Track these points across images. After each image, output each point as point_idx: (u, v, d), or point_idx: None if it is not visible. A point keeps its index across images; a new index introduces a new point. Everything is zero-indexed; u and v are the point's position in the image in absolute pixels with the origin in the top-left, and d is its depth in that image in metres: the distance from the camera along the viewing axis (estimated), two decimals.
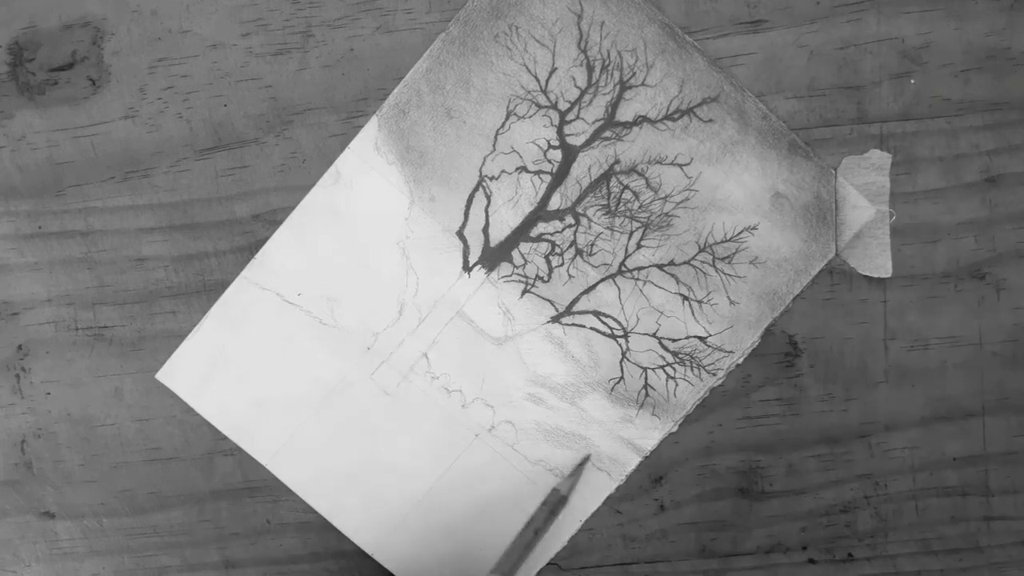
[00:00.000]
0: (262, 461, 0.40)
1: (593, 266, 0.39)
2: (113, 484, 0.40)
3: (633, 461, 0.39)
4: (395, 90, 0.39)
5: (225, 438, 0.40)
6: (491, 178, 0.39)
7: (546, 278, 0.39)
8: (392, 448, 0.39)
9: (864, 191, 0.38)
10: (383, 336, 0.39)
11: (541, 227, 0.39)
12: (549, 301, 0.39)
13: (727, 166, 0.38)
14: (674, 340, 0.39)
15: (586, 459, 0.39)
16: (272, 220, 0.39)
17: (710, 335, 0.39)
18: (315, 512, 0.40)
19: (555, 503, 0.39)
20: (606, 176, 0.39)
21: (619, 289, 0.39)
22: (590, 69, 0.38)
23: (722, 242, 0.39)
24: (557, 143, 0.39)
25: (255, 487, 0.40)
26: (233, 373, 0.39)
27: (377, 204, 0.39)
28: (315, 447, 0.39)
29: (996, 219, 0.39)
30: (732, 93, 0.38)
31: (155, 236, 0.39)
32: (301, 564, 0.40)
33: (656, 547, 0.40)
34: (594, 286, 0.39)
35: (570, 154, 0.39)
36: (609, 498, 0.39)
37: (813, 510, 0.40)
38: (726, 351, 0.39)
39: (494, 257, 0.39)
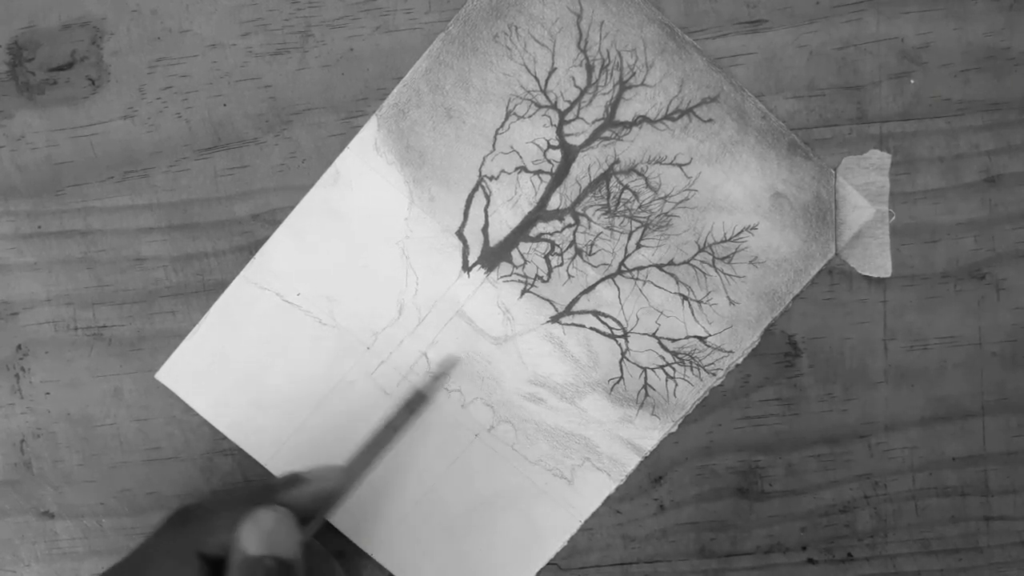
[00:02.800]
0: (262, 461, 0.40)
1: (593, 266, 0.39)
2: (113, 484, 0.40)
3: (633, 461, 0.39)
4: (395, 90, 0.39)
5: (225, 438, 0.40)
6: (491, 178, 0.39)
7: (546, 278, 0.39)
8: (391, 448, 0.39)
9: (864, 191, 0.38)
10: (383, 336, 0.39)
11: (541, 227, 0.39)
12: (549, 301, 0.39)
13: (727, 166, 0.38)
14: (674, 340, 0.39)
15: (455, 362, 0.39)
16: (272, 220, 0.39)
17: (710, 335, 0.39)
18: None
19: (416, 403, 0.38)
20: (606, 176, 0.38)
21: (619, 289, 0.39)
22: (590, 69, 0.38)
23: (722, 242, 0.39)
24: (557, 143, 0.38)
25: None
26: (232, 373, 0.39)
27: (376, 204, 0.39)
28: (315, 447, 0.39)
29: (996, 219, 0.39)
30: (732, 93, 0.38)
31: (154, 236, 0.39)
32: None
33: (656, 547, 0.40)
34: (594, 286, 0.39)
35: (570, 154, 0.39)
36: (609, 498, 0.39)
37: (813, 510, 0.40)
38: (726, 351, 0.39)
39: (494, 257, 0.39)
